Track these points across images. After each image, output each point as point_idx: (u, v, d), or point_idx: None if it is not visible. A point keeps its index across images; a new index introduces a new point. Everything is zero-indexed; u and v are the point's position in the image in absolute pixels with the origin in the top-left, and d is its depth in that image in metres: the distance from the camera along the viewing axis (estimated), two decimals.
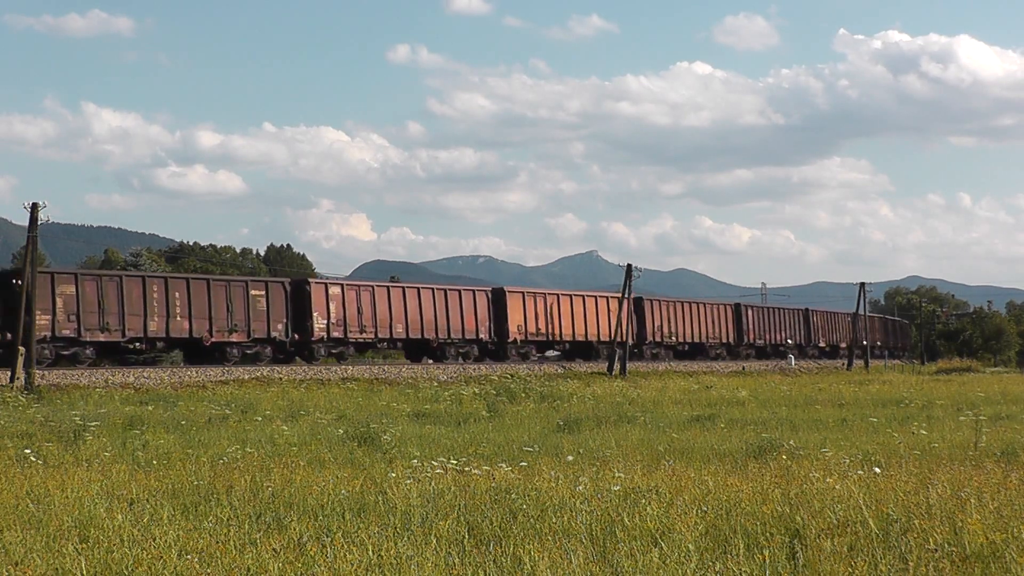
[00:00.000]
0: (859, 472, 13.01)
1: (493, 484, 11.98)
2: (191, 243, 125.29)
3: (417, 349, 54.53)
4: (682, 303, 71.74)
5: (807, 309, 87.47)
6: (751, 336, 76.58)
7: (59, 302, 40.18)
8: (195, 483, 12.71)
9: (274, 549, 8.96)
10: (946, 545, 8.96)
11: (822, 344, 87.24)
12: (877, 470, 13.42)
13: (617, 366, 55.57)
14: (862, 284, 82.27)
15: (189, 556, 8.74)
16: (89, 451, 16.76)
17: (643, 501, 10.90)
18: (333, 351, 50.08)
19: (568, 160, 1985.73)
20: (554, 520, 10.10)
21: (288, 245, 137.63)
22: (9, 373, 35.29)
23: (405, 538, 9.48)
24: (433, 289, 54.67)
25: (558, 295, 62.53)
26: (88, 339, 41.29)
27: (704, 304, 74.93)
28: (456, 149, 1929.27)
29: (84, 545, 9.31)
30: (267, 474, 13.47)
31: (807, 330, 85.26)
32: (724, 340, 73.63)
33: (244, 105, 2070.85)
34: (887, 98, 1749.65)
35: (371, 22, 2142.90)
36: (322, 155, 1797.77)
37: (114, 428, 21.07)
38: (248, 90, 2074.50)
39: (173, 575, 8.40)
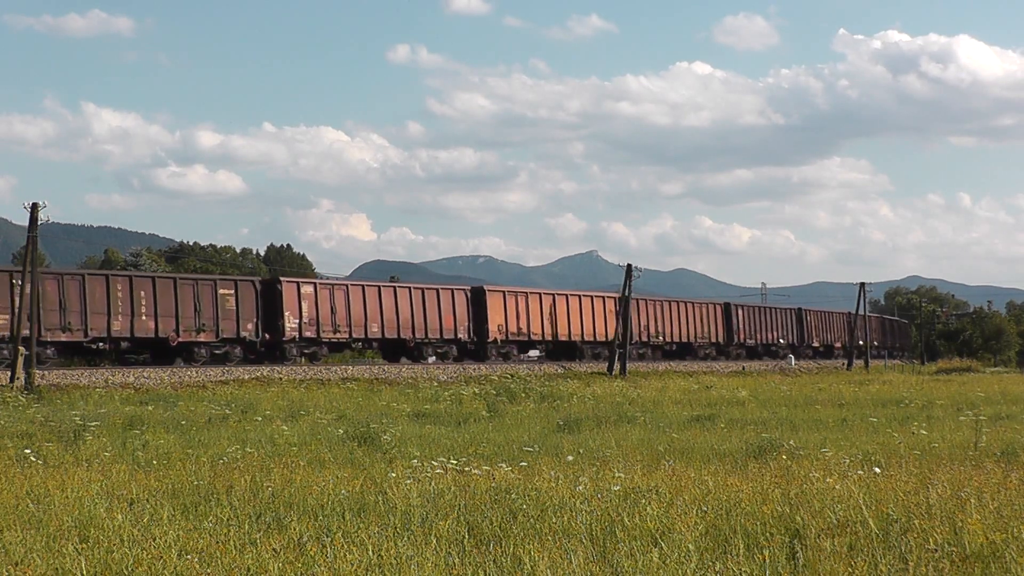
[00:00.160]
0: (859, 472, 13.01)
1: (493, 484, 11.98)
2: (191, 243, 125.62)
3: (393, 349, 53.75)
4: (669, 302, 71.29)
5: (800, 308, 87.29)
6: (741, 336, 76.27)
7: (18, 302, 39.55)
8: (195, 483, 12.71)
9: (274, 549, 8.97)
10: (946, 545, 8.96)
11: (816, 344, 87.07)
12: (877, 470, 13.43)
13: (617, 366, 55.58)
14: (862, 284, 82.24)
15: (189, 556, 8.75)
16: (89, 451, 16.77)
17: (643, 501, 10.90)
18: (306, 351, 49.08)
19: (568, 160, 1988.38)
20: (554, 520, 10.10)
21: (288, 245, 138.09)
22: (9, 373, 35.31)
23: (405, 538, 9.48)
24: (410, 288, 54.04)
25: (540, 294, 61.54)
26: (49, 339, 40.51)
27: (692, 303, 74.43)
28: (456, 149, 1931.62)
29: (84, 545, 9.31)
30: (267, 474, 13.47)
31: (800, 330, 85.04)
32: (713, 340, 73.27)
33: (244, 105, 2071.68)
34: (887, 98, 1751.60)
35: (371, 22, 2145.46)
36: (322, 155, 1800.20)
37: (114, 428, 21.07)
38: (248, 90, 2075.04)
39: (173, 575, 8.40)
